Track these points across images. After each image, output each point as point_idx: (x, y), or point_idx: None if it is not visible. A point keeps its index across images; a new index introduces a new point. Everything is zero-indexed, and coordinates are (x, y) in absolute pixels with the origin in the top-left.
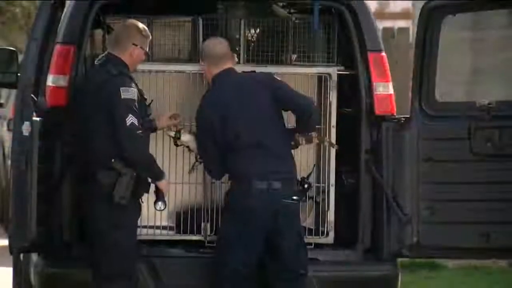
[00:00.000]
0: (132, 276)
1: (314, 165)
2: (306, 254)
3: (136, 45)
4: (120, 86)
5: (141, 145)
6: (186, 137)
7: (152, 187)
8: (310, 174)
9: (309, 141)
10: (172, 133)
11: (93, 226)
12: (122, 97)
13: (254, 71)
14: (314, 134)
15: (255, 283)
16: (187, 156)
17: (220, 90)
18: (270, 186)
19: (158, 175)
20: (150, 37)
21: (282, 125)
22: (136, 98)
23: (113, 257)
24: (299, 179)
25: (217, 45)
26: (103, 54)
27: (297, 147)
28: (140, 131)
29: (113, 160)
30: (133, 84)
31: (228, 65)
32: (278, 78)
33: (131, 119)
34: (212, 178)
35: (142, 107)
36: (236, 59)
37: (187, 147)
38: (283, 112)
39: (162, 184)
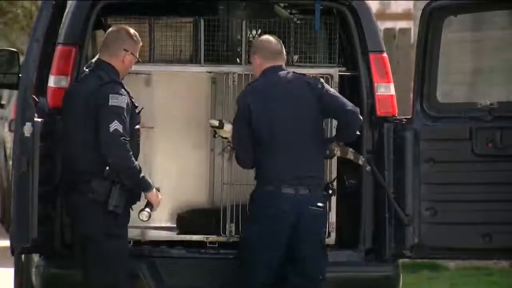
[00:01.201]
0: (126, 283)
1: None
2: (326, 260)
3: (128, 51)
4: (109, 93)
5: (124, 152)
6: (228, 127)
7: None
8: (334, 180)
9: (344, 153)
10: (216, 122)
11: (85, 235)
12: (110, 103)
13: (305, 74)
14: (350, 150)
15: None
16: (194, 155)
17: (267, 82)
18: (297, 192)
19: (143, 185)
20: (141, 43)
21: (320, 131)
22: (125, 106)
23: (105, 266)
24: (325, 185)
25: (274, 42)
26: (93, 60)
27: (332, 157)
28: (124, 138)
29: (107, 168)
30: (124, 92)
31: (280, 62)
32: (326, 84)
33: (115, 125)
34: (241, 166)
35: (133, 115)
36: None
37: (226, 139)
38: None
39: (149, 195)
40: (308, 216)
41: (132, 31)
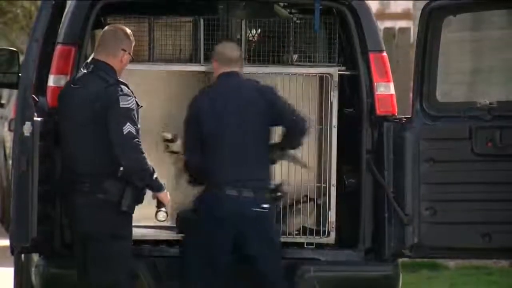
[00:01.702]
0: (127, 283)
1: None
2: (279, 261)
3: (126, 51)
4: (119, 95)
5: (138, 154)
6: (178, 144)
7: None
8: (283, 182)
9: (282, 157)
10: (169, 135)
11: (89, 235)
12: (121, 105)
13: (258, 82)
14: (292, 153)
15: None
16: None
17: (219, 87)
18: (241, 194)
19: (156, 186)
20: (134, 42)
21: (266, 137)
22: (134, 107)
23: (107, 266)
24: (273, 188)
25: (231, 48)
26: (90, 61)
27: (274, 163)
28: (137, 140)
29: (121, 169)
30: (131, 93)
31: (235, 69)
32: (279, 93)
33: (128, 128)
34: (190, 170)
35: (139, 115)
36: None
37: (177, 153)
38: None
39: (161, 195)
40: (252, 217)
41: (128, 30)
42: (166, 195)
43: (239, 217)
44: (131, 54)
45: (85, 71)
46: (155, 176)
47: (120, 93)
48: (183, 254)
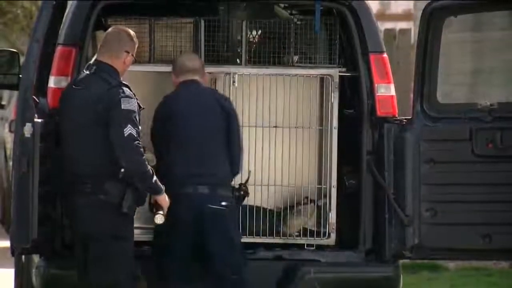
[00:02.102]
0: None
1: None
2: (238, 258)
3: (128, 53)
4: (121, 97)
5: (138, 156)
6: (149, 156)
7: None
8: (247, 181)
9: None
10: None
11: (90, 235)
12: (122, 107)
13: (216, 90)
14: None
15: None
16: None
17: (181, 92)
18: (196, 191)
19: (156, 189)
20: (137, 43)
21: (224, 138)
22: (136, 109)
23: (107, 267)
24: (237, 186)
25: (191, 59)
26: (92, 62)
27: None
28: (138, 142)
29: (122, 170)
30: (133, 95)
31: (191, 77)
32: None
33: (129, 130)
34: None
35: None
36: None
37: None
38: None
39: (160, 198)
40: (208, 215)
41: (131, 32)
42: (164, 198)
43: (196, 214)
44: (134, 55)
45: (87, 72)
46: (154, 179)
47: (122, 95)
48: (153, 255)
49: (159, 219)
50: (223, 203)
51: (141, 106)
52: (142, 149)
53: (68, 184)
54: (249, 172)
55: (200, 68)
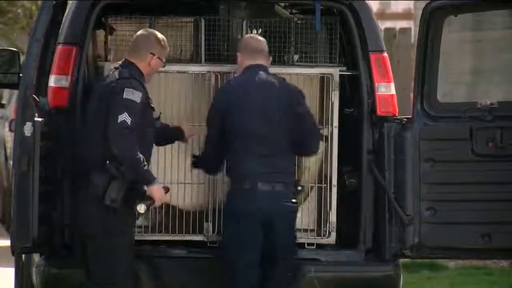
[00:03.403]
0: (126, 282)
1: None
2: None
3: (154, 55)
4: (125, 87)
5: (129, 144)
6: (142, 208)
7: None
8: (301, 177)
9: None
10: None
11: (84, 231)
12: (124, 96)
13: (285, 79)
14: None
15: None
16: (188, 155)
17: (243, 80)
18: (273, 188)
19: (146, 178)
20: (168, 49)
21: (290, 133)
22: (139, 101)
23: (105, 263)
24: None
25: (256, 40)
26: (121, 61)
27: None
28: (130, 130)
29: (107, 161)
30: (141, 89)
31: (261, 61)
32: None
33: (123, 117)
34: (207, 172)
35: (148, 114)
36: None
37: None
38: None
39: (152, 189)
40: (282, 212)
41: (160, 35)
42: (157, 190)
43: (271, 212)
44: (162, 59)
45: (113, 69)
46: (145, 167)
47: (128, 85)
48: (225, 254)
49: (142, 208)
50: (293, 200)
51: (153, 106)
52: (133, 137)
53: (74, 179)
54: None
55: (267, 51)
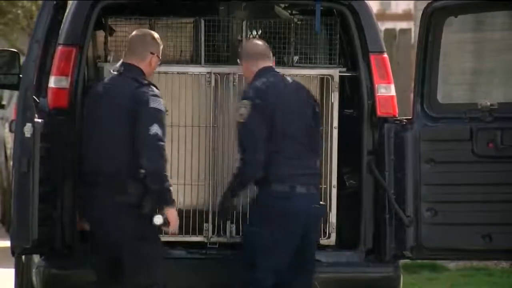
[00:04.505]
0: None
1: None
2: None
3: (153, 54)
4: (150, 95)
5: (161, 158)
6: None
7: None
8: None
9: None
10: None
11: (118, 238)
12: (151, 105)
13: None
14: None
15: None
16: (189, 156)
17: (271, 82)
18: (309, 191)
19: (167, 197)
20: (162, 45)
21: (315, 134)
22: (164, 110)
23: (144, 268)
24: None
25: (258, 44)
26: (119, 64)
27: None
28: (162, 142)
29: (142, 171)
30: (161, 95)
31: (268, 63)
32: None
33: (155, 129)
34: (250, 171)
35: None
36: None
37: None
38: None
39: (172, 212)
40: (315, 215)
41: (155, 34)
42: (174, 213)
43: (308, 216)
44: (159, 56)
45: (115, 73)
46: (169, 186)
47: (151, 93)
48: (253, 256)
49: (159, 220)
50: (322, 203)
51: (166, 109)
52: (165, 151)
53: (91, 185)
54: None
55: (270, 51)
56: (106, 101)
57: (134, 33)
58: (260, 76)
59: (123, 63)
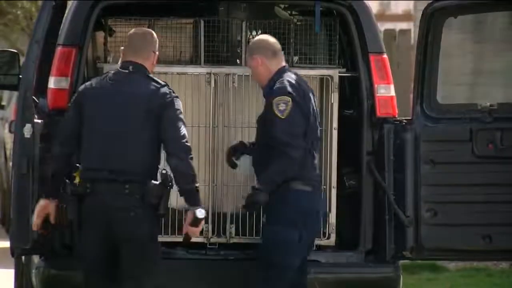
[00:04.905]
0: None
1: None
2: None
3: (155, 52)
4: (174, 97)
5: (191, 158)
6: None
7: None
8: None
9: None
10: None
11: (130, 238)
12: (176, 107)
13: None
14: None
15: None
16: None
17: (300, 80)
18: (320, 190)
19: (196, 197)
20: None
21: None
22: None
23: (152, 269)
24: None
25: (276, 42)
26: (125, 62)
27: None
28: (189, 144)
29: (163, 171)
30: None
31: (284, 62)
32: None
33: (183, 130)
34: (288, 170)
35: None
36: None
37: None
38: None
39: (201, 213)
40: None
41: (152, 31)
42: (203, 217)
43: (320, 214)
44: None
45: (125, 71)
46: (198, 186)
47: (173, 94)
48: (276, 254)
49: (202, 214)
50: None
51: None
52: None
53: (96, 183)
54: None
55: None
56: (120, 100)
57: (133, 32)
58: (284, 73)
59: (131, 62)
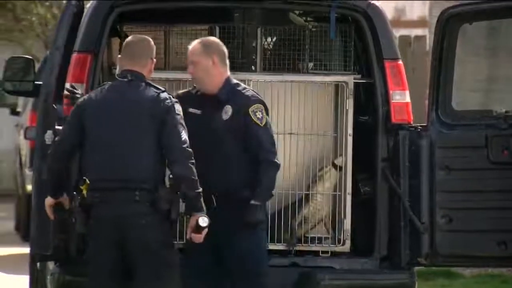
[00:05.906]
0: None
1: None
2: None
3: (153, 59)
4: (174, 102)
5: (193, 164)
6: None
7: None
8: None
9: None
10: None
11: (143, 245)
12: (176, 112)
13: None
14: None
15: None
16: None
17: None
18: None
19: (199, 203)
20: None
21: None
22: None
23: (167, 277)
24: None
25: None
26: (123, 70)
27: None
28: (190, 149)
29: (171, 176)
30: None
31: None
32: None
33: (184, 136)
34: (275, 176)
35: None
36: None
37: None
38: None
39: (203, 220)
40: None
41: (149, 38)
42: (205, 219)
43: None
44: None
45: (123, 80)
46: (200, 191)
47: (173, 100)
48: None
49: (205, 222)
50: None
51: None
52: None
53: (106, 192)
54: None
55: None
56: (123, 108)
57: (130, 39)
58: (234, 82)
59: (128, 71)
